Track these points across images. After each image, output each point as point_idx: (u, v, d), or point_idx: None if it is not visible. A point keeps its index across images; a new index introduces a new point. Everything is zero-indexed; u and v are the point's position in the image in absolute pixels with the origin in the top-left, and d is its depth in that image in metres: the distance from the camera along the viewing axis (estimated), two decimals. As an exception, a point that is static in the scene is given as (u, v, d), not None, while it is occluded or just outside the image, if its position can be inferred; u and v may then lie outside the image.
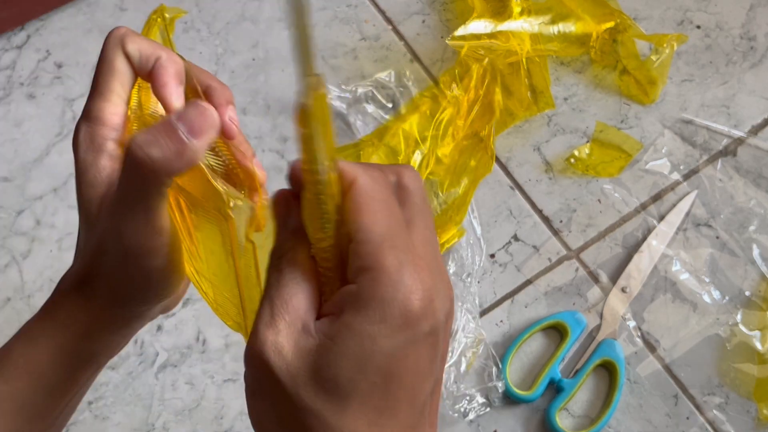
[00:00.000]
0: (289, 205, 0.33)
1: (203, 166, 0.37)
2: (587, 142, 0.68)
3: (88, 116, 0.38)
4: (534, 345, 0.62)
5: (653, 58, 0.67)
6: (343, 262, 0.33)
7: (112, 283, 0.38)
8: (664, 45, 0.67)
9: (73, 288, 0.39)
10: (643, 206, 0.66)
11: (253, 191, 0.42)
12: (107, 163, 0.37)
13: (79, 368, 0.39)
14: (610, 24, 0.68)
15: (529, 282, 0.64)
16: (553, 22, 0.67)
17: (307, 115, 0.30)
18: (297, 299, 0.32)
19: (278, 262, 0.32)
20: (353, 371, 0.30)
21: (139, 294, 0.38)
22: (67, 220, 0.65)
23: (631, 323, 0.62)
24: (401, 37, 0.71)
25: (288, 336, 0.31)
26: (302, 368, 0.30)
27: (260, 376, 0.31)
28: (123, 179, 0.35)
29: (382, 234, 0.31)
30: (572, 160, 0.66)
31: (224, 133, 0.40)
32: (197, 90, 0.40)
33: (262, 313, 0.31)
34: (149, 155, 0.33)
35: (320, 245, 0.32)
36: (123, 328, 0.40)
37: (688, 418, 0.60)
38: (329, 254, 0.33)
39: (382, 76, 0.69)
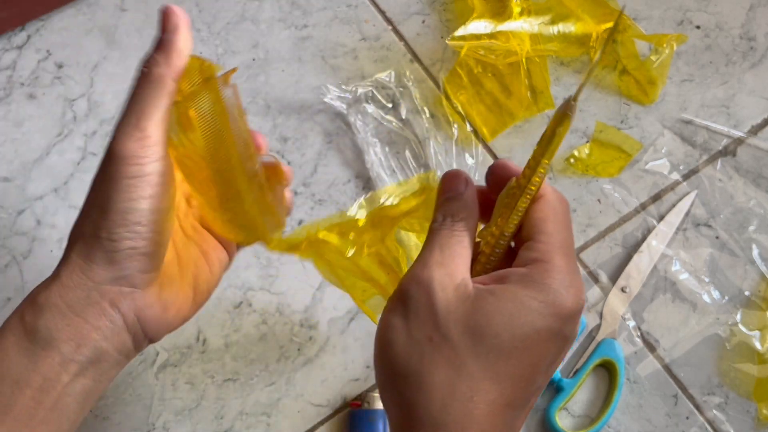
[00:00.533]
0: (468, 182, 0.39)
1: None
2: (587, 142, 0.68)
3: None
4: (534, 345, 0.62)
5: (653, 58, 0.67)
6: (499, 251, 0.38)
7: (84, 218, 0.39)
8: (664, 45, 0.67)
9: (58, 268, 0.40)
10: (643, 206, 0.66)
11: (279, 180, 0.47)
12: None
13: (38, 354, 0.37)
14: (610, 24, 0.68)
15: (529, 282, 0.64)
16: (553, 22, 0.67)
17: (567, 120, 0.37)
18: (463, 258, 0.37)
19: (452, 222, 0.38)
20: (502, 328, 0.34)
21: (111, 228, 0.38)
22: (68, 220, 0.65)
23: (631, 323, 0.62)
24: (401, 37, 0.71)
25: (452, 279, 0.35)
26: (459, 308, 0.35)
27: (419, 300, 0.35)
28: (127, 101, 0.39)
29: (560, 242, 0.36)
30: (572, 160, 0.67)
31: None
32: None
33: (433, 253, 0.36)
34: (146, 65, 0.38)
35: (499, 230, 0.38)
36: (85, 305, 0.38)
37: (687, 417, 0.60)
38: (501, 241, 0.38)
39: (382, 76, 0.69)
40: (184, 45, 0.39)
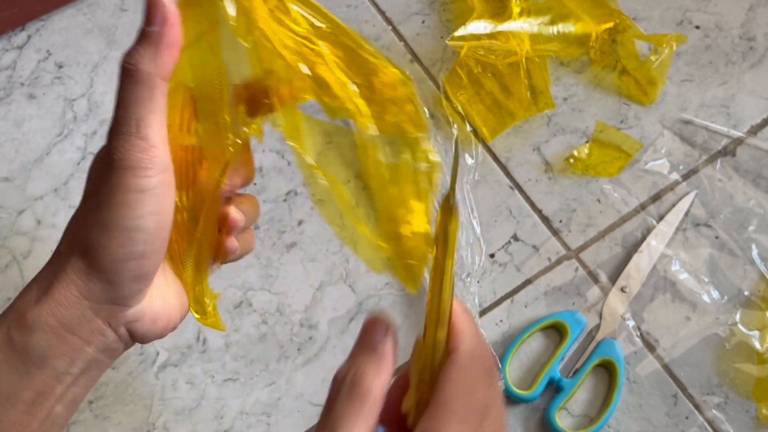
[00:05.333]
0: (388, 331, 0.35)
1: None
2: (587, 142, 0.68)
3: None
4: (533, 345, 0.62)
5: (653, 58, 0.68)
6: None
7: (85, 232, 0.36)
8: (664, 45, 0.67)
9: (44, 270, 0.37)
10: (643, 206, 0.66)
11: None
12: None
13: (30, 371, 0.36)
14: (610, 24, 0.68)
15: (528, 282, 0.64)
16: (552, 22, 0.67)
17: (454, 216, 0.35)
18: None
19: (353, 384, 0.34)
20: None
21: (115, 249, 0.35)
22: (68, 219, 0.65)
23: (631, 323, 0.62)
24: (401, 37, 0.71)
25: None
26: None
27: None
28: (117, 100, 0.35)
29: (457, 409, 0.32)
30: (572, 160, 0.67)
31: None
32: None
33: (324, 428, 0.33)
34: (131, 61, 0.34)
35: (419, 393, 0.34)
36: (79, 323, 0.36)
37: (687, 417, 0.60)
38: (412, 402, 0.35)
39: (382, 76, 0.69)
40: (174, 39, 0.35)
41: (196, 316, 0.44)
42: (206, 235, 0.41)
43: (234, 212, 0.42)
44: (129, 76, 0.34)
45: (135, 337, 0.39)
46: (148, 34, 0.34)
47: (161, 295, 0.40)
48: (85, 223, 0.37)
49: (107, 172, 0.35)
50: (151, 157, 0.35)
